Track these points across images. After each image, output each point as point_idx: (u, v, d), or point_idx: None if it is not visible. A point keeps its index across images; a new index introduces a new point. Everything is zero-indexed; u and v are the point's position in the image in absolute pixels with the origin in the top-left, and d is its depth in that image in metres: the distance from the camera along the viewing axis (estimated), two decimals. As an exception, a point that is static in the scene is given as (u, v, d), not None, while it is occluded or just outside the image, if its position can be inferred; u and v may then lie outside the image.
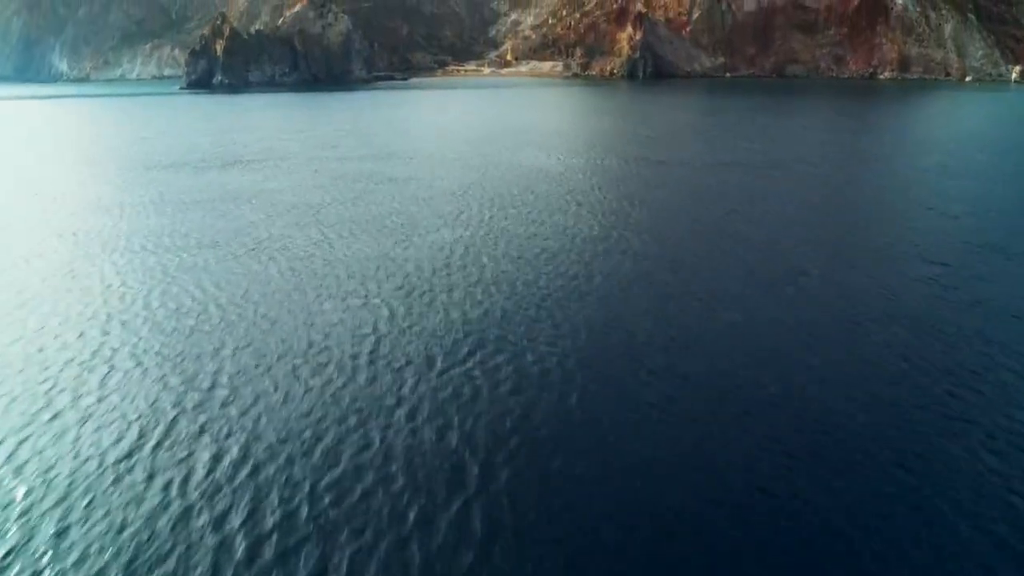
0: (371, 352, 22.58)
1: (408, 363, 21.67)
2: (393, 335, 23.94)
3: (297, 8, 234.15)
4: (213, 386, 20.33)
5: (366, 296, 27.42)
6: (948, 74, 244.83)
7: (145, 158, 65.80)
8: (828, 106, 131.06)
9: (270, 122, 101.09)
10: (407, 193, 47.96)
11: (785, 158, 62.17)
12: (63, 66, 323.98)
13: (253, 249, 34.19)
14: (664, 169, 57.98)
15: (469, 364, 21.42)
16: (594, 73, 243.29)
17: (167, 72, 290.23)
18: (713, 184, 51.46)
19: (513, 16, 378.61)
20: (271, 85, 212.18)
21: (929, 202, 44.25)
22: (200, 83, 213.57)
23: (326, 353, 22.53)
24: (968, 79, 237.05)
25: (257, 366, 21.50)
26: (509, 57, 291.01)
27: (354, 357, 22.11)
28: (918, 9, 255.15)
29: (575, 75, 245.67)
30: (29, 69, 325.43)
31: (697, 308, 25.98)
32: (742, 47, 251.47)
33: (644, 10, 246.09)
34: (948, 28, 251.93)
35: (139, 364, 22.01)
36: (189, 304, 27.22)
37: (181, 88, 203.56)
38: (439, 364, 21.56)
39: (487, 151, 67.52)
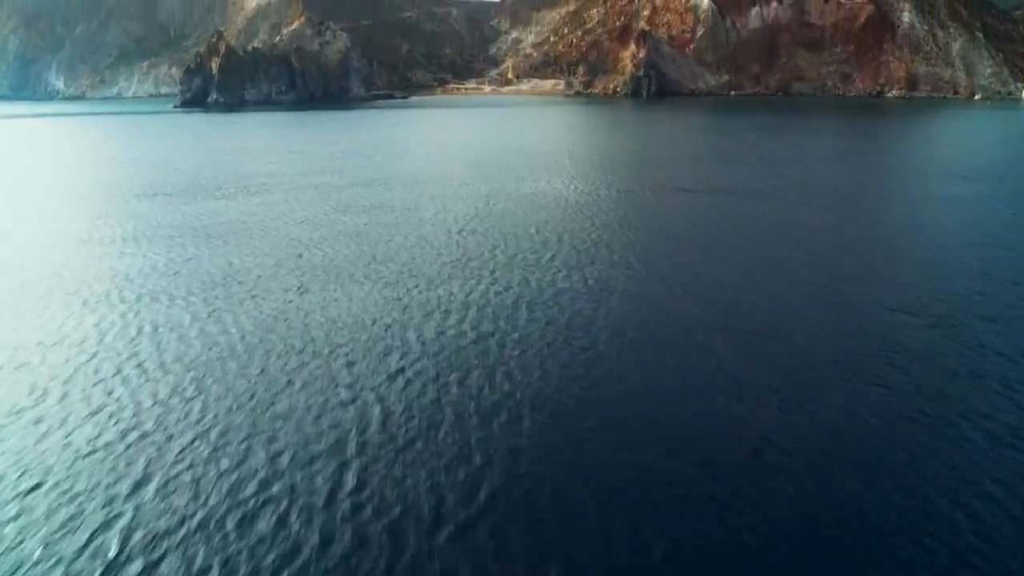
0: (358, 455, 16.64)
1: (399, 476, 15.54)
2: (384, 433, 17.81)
3: (295, 26, 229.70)
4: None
5: (352, 384, 21.08)
6: (956, 92, 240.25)
7: (122, 185, 59.73)
8: (837, 126, 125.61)
9: (261, 143, 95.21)
10: (405, 229, 41.76)
11: (797, 184, 56.31)
12: (59, 84, 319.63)
13: (214, 310, 27.80)
14: (673, 196, 51.96)
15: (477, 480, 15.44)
16: (597, 91, 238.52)
17: (164, 90, 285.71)
18: (725, 213, 45.55)
19: (514, 34, 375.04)
20: (267, 104, 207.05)
21: (955, 234, 38.50)
22: (195, 101, 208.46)
23: (303, 452, 16.51)
24: (977, 97, 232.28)
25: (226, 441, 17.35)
26: (510, 75, 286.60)
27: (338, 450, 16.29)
28: (925, 27, 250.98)
29: (577, 93, 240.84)
30: (25, 87, 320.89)
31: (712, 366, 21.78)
32: (747, 65, 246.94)
33: (647, 28, 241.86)
34: (956, 46, 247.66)
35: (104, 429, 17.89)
36: (151, 363, 21.27)
37: (174, 107, 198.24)
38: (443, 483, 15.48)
39: (489, 177, 61.45)
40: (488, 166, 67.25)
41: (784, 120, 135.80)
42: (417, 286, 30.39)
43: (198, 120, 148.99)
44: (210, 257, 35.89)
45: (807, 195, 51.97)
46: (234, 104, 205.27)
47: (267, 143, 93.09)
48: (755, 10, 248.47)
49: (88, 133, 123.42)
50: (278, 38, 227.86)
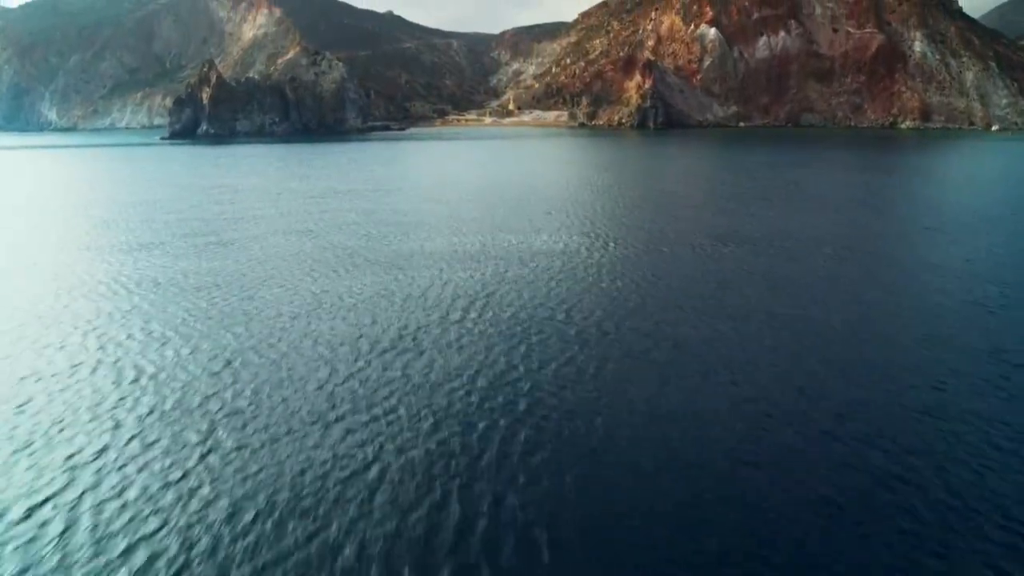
0: None
1: None
2: None
3: (290, 55, 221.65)
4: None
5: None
6: (972, 123, 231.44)
7: (78, 229, 49.38)
8: (856, 161, 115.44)
9: (245, 180, 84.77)
10: (401, 293, 31.19)
11: (820, 232, 46.04)
12: (52, 115, 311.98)
13: (158, 422, 17.32)
14: (689, 247, 41.97)
15: None
16: (601, 123, 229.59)
17: (157, 121, 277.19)
18: (750, 269, 36.35)
19: (515, 66, 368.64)
20: (260, 135, 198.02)
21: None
22: (184, 133, 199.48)
23: None
24: (995, 128, 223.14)
25: None
26: (511, 106, 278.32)
27: None
28: (937, 57, 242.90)
29: (581, 125, 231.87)
30: (18, 118, 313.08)
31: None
32: (755, 96, 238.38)
33: (652, 58, 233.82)
34: (970, 76, 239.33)
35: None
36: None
37: (162, 138, 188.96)
38: None
39: (490, 222, 51.05)
40: (487, 212, 56.75)
41: (798, 154, 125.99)
42: (415, 372, 19.55)
43: (181, 153, 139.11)
44: (160, 331, 25.20)
45: (832, 245, 41.98)
46: (224, 135, 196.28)
47: (244, 181, 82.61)
48: (763, 40, 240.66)
49: (61, 168, 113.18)
50: (272, 68, 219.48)
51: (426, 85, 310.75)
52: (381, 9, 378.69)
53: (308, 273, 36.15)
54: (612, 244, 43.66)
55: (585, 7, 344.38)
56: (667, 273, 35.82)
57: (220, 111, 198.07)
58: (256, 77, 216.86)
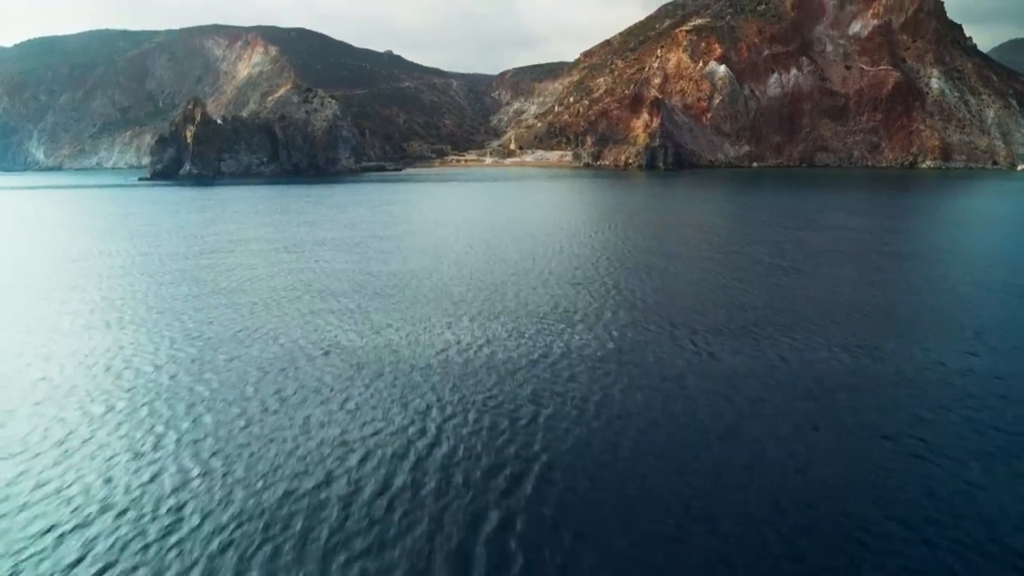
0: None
1: None
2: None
3: (280, 92, 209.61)
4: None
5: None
6: (995, 162, 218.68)
7: None
8: (877, 204, 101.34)
9: (214, 228, 70.36)
10: (390, 395, 23.20)
11: (848, 293, 32.51)
12: (39, 154, 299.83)
13: None
14: (718, 330, 30.00)
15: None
16: (607, 163, 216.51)
17: (145, 161, 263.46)
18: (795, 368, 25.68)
19: (515, 105, 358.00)
20: (246, 176, 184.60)
21: None
22: (166, 173, 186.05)
23: None
24: (1020, 168, 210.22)
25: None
26: (512, 146, 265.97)
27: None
28: (956, 94, 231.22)
29: (587, 165, 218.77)
30: (5, 158, 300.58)
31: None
32: (768, 135, 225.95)
33: (659, 95, 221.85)
34: (990, 114, 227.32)
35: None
36: None
37: (140, 179, 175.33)
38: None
39: (491, 287, 37.04)
40: (488, 270, 42.22)
41: (820, 197, 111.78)
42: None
43: (152, 195, 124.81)
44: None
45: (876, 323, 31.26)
46: (208, 176, 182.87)
47: (207, 229, 67.98)
48: (774, 77, 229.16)
49: (11, 212, 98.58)
50: (262, 106, 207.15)
51: (425, 124, 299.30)
52: (380, 49, 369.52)
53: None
54: (636, 327, 28.49)
55: (586, 48, 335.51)
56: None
57: (204, 150, 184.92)
58: (244, 115, 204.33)
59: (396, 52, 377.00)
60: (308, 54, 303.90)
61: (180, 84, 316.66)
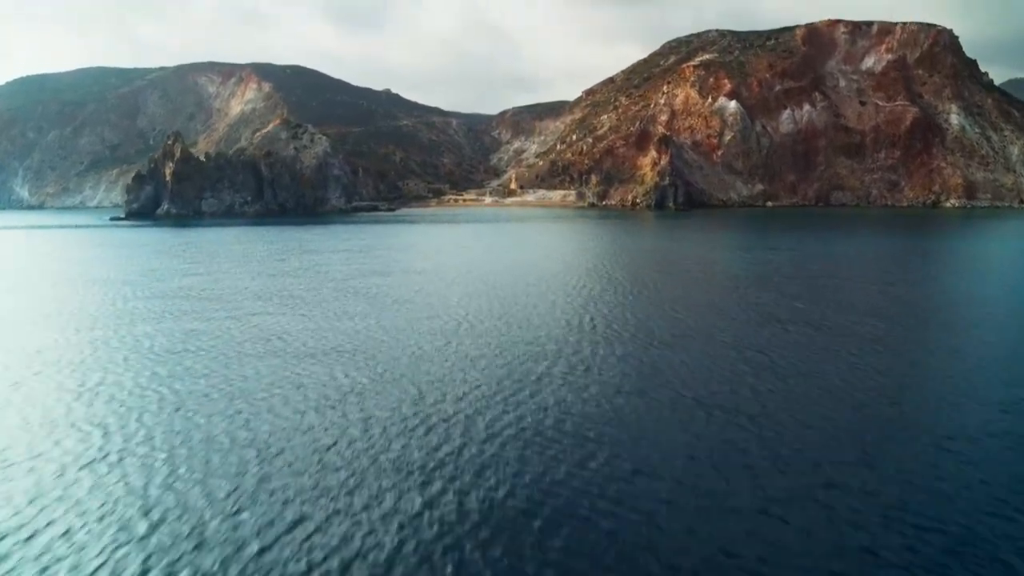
0: None
1: None
2: None
3: (268, 128, 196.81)
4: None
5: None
6: (1022, 200, 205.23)
7: None
8: (914, 248, 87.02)
9: (164, 283, 55.56)
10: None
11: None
12: (24, 192, 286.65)
13: None
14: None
15: None
16: (613, 203, 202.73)
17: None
18: None
19: (516, 144, 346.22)
20: (228, 216, 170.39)
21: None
22: (143, 212, 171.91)
23: None
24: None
25: None
26: (513, 185, 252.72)
27: None
28: (977, 130, 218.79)
29: (591, 205, 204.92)
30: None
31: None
32: (781, 172, 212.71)
33: (667, 132, 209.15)
34: (1015, 151, 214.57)
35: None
36: None
37: (112, 219, 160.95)
38: None
39: (490, 371, 23.30)
40: (486, 344, 27.66)
41: (847, 239, 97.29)
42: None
43: (115, 237, 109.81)
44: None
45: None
46: (188, 216, 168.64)
47: (156, 287, 52.91)
48: (786, 113, 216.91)
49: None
50: (246, 141, 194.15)
51: (422, 163, 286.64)
52: (378, 88, 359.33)
53: None
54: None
55: (587, 87, 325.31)
56: None
57: (184, 189, 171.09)
58: (228, 152, 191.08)
59: (395, 91, 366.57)
60: (303, 91, 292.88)
61: (172, 121, 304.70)
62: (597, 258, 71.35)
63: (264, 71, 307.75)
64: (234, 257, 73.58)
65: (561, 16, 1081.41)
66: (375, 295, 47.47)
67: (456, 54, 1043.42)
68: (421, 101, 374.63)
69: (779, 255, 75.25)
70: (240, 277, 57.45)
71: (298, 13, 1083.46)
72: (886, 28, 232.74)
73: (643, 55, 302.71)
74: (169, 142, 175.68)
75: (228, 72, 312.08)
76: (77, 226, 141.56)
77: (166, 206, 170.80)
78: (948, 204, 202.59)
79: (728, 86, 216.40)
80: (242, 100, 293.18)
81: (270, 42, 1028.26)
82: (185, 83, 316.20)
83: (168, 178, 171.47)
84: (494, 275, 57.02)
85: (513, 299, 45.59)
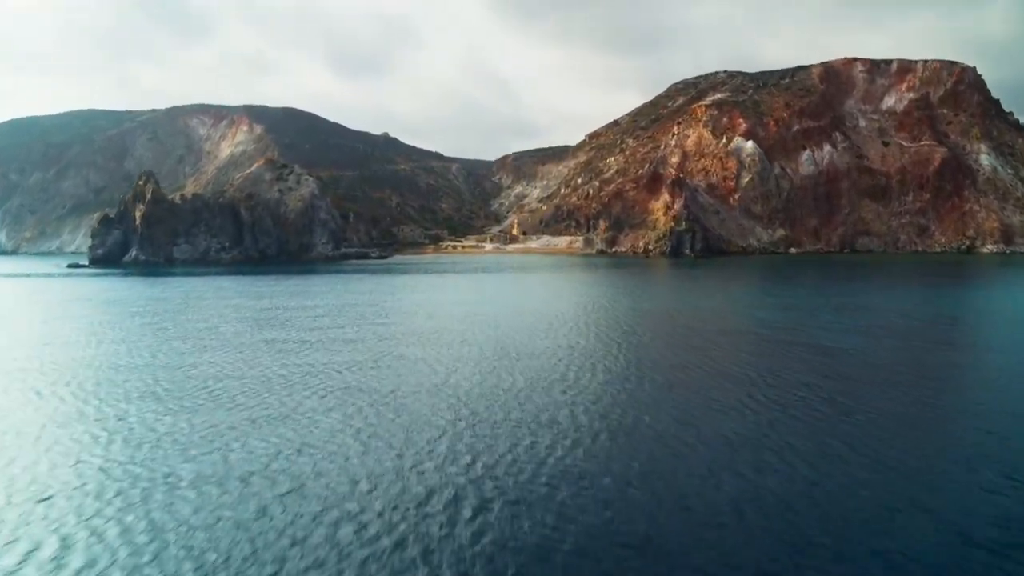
0: None
1: None
2: None
3: (252, 169, 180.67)
4: None
5: None
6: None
7: None
8: (964, 302, 68.79)
9: (65, 373, 37.45)
10: None
11: None
12: (1, 236, 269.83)
13: None
14: None
15: None
16: (624, 249, 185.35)
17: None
18: None
19: (517, 189, 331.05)
20: (202, 263, 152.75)
21: None
22: (109, 258, 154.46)
23: None
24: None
25: None
26: (515, 231, 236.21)
27: None
28: (1009, 171, 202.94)
29: (600, 252, 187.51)
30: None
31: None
32: (803, 217, 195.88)
33: (680, 175, 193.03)
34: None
35: None
36: None
37: (69, 266, 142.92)
38: None
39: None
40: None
41: (890, 291, 79.22)
42: None
43: (54, 288, 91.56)
44: None
45: None
46: (158, 263, 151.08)
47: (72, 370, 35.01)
48: (806, 154, 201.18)
49: None
50: (227, 184, 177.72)
51: (420, 208, 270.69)
52: (377, 132, 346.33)
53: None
54: None
55: (590, 131, 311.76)
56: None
57: (155, 233, 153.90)
58: (206, 194, 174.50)
59: (393, 135, 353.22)
60: (295, 133, 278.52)
61: (160, 164, 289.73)
62: (629, 321, 52.92)
63: (257, 113, 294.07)
64: (130, 316, 55.09)
65: (560, 63, 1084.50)
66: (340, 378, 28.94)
67: (456, 100, 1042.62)
68: (421, 147, 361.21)
69: (835, 316, 56.79)
70: (114, 348, 38.85)
71: (300, 60, 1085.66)
72: (906, 66, 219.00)
73: (642, 102, 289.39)
74: (141, 182, 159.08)
75: (220, 114, 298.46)
76: (27, 275, 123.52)
77: (134, 252, 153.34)
78: (985, 249, 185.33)
79: (743, 126, 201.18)
80: (232, 142, 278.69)
81: (270, 88, 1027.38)
82: (176, 125, 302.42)
83: (138, 222, 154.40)
84: (502, 355, 38.48)
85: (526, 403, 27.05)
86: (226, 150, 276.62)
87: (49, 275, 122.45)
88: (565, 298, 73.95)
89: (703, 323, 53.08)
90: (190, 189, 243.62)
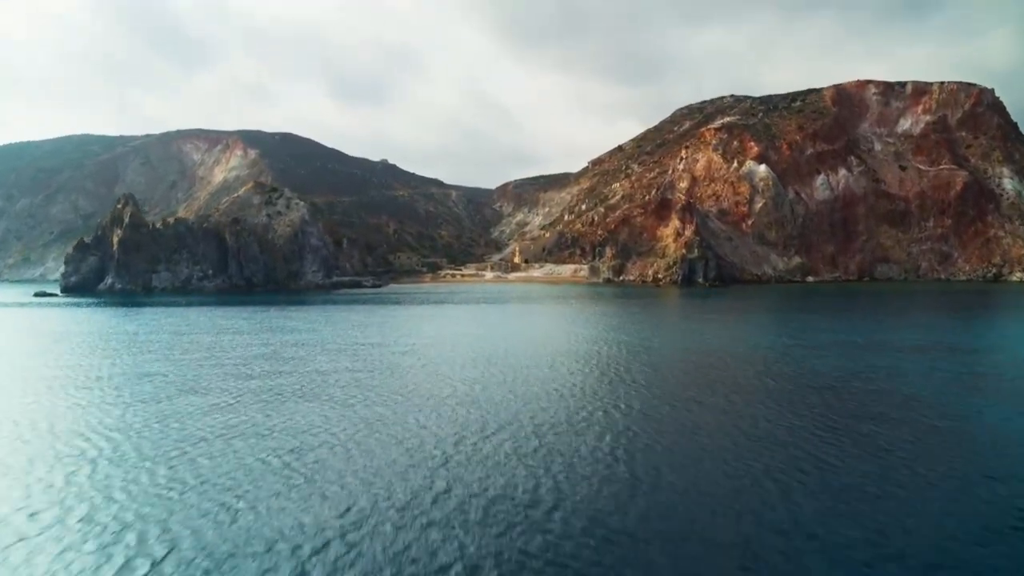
0: None
1: None
2: None
3: (240, 192, 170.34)
4: None
5: None
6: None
7: None
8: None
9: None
10: None
11: None
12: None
13: None
14: None
15: None
16: (632, 278, 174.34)
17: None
18: None
19: (519, 216, 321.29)
20: (183, 291, 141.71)
21: None
22: (84, 286, 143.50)
23: None
24: None
25: None
26: (517, 259, 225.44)
27: None
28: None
29: (607, 281, 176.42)
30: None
31: None
32: (819, 244, 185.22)
33: (690, 200, 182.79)
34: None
35: None
36: None
37: (36, 295, 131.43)
38: None
39: None
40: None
41: (940, 328, 67.74)
42: None
43: (21, 321, 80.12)
44: None
45: None
46: (135, 291, 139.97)
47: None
48: (820, 178, 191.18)
49: None
50: (214, 208, 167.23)
51: (418, 235, 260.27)
52: (375, 159, 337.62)
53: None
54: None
55: (593, 158, 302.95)
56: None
57: (132, 260, 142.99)
58: (190, 219, 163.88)
59: (392, 162, 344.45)
60: (291, 158, 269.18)
61: (153, 190, 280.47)
62: (641, 362, 41.53)
63: (251, 138, 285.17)
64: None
65: (561, 92, 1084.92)
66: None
67: (457, 128, 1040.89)
68: (420, 174, 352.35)
69: (878, 356, 45.37)
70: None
71: (301, 88, 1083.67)
72: (921, 88, 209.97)
73: (642, 130, 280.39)
74: (120, 205, 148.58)
75: (214, 139, 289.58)
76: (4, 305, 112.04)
77: (110, 280, 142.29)
78: (1014, 278, 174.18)
79: (755, 149, 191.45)
80: (226, 167, 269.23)
81: (271, 116, 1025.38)
82: (169, 150, 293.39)
83: (115, 247, 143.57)
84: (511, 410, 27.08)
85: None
86: (219, 175, 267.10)
87: (6, 305, 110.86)
88: (585, 339, 62.39)
89: (725, 369, 41.56)
90: (182, 215, 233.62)
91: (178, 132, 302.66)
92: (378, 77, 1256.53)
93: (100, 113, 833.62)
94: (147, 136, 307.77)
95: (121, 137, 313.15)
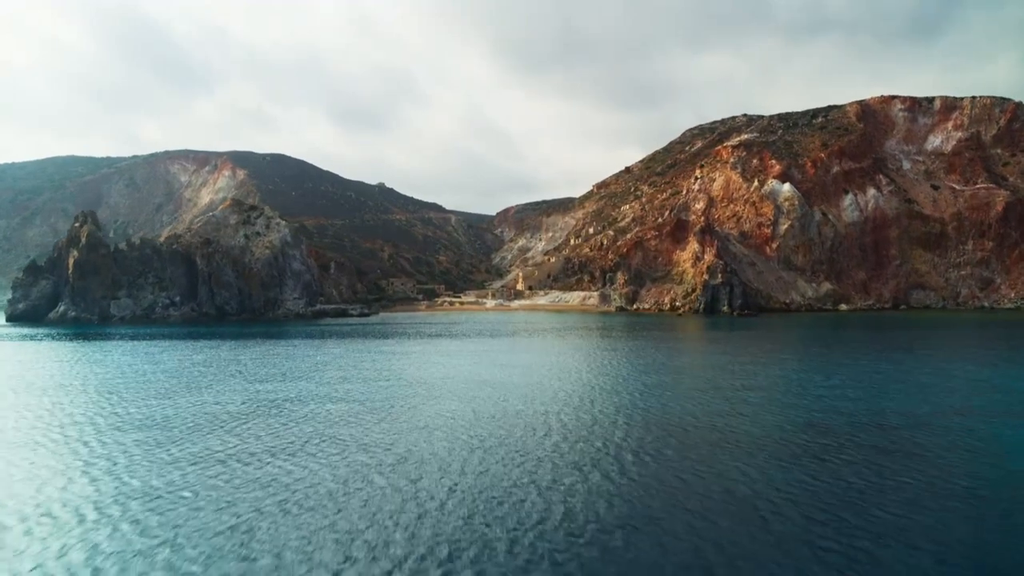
0: None
1: None
2: None
3: (217, 211, 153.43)
4: None
5: None
6: None
7: None
8: None
9: None
10: None
11: None
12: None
13: None
14: None
15: None
16: (647, 306, 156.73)
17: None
18: None
19: (520, 242, 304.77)
20: (145, 321, 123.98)
21: None
22: (33, 315, 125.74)
23: None
24: None
25: None
26: (520, 286, 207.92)
27: None
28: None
29: (620, 309, 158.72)
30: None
31: None
32: (849, 269, 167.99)
33: (708, 221, 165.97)
34: None
35: None
36: None
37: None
38: None
39: None
40: None
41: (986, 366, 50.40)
42: None
43: None
44: None
45: None
46: (90, 321, 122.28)
47: None
48: (848, 198, 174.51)
49: None
50: (184, 227, 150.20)
51: (415, 260, 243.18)
52: (372, 181, 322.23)
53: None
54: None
55: (597, 182, 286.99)
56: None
57: (89, 285, 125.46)
58: (158, 240, 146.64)
59: (390, 186, 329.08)
60: (281, 179, 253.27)
61: (137, 212, 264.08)
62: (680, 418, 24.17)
63: (241, 158, 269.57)
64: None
65: (562, 118, 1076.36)
66: None
67: (457, 154, 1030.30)
68: (419, 198, 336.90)
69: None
70: None
71: (300, 114, 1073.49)
72: (951, 104, 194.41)
73: (643, 156, 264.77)
74: (77, 224, 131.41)
75: (203, 159, 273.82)
76: None
77: (62, 307, 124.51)
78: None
79: (777, 167, 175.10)
80: (213, 188, 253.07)
81: (270, 141, 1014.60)
82: (155, 171, 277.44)
83: (70, 270, 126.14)
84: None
85: None
86: (206, 197, 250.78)
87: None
88: (599, 368, 44.62)
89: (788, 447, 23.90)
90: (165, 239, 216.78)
91: (166, 153, 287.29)
92: (378, 103, 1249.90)
93: (98, 137, 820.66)
94: (134, 157, 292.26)
95: (107, 158, 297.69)
